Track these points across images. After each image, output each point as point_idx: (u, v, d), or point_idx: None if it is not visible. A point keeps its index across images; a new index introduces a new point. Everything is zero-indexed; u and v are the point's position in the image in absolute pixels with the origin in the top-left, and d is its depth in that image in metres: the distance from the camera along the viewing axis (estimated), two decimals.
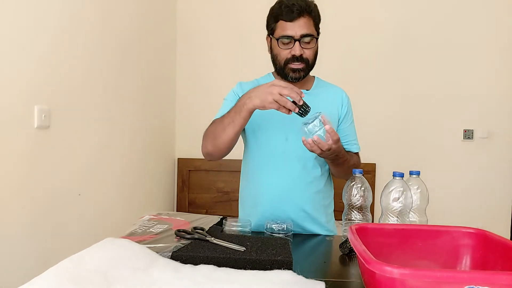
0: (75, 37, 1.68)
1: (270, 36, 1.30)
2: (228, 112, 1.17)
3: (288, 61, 1.25)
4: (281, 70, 1.29)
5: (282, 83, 1.07)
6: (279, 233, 1.09)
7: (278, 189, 1.30)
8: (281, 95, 1.04)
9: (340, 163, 1.27)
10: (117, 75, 2.06)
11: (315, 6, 1.26)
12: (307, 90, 1.34)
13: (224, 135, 1.17)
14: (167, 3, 2.80)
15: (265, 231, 1.12)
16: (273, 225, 1.11)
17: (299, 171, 1.30)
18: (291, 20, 1.21)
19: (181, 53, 2.94)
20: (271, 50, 1.32)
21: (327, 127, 1.07)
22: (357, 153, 1.41)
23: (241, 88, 1.36)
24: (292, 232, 1.13)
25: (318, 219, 1.33)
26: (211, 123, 1.29)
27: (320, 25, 1.30)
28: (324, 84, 1.41)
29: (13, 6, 1.34)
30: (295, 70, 1.26)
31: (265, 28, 1.32)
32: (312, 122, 1.10)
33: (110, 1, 1.98)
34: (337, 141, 1.11)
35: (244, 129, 1.32)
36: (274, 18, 1.26)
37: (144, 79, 2.40)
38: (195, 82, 2.91)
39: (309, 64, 1.28)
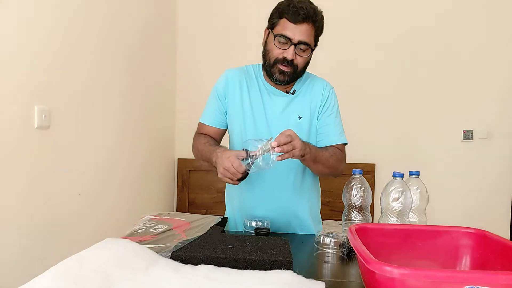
0: (76, 38, 1.68)
1: (270, 29, 1.26)
2: (206, 152, 1.27)
3: (277, 61, 1.23)
4: (269, 68, 1.26)
5: (228, 172, 1.11)
6: (258, 231, 1.12)
7: (262, 188, 1.30)
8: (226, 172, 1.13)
9: (315, 162, 1.23)
10: (117, 75, 2.06)
11: (322, 18, 1.23)
12: (286, 92, 1.32)
13: (202, 163, 1.35)
14: (167, 4, 2.80)
15: (244, 229, 1.17)
16: (252, 223, 1.17)
17: (282, 170, 1.29)
18: (294, 22, 1.18)
19: (181, 53, 2.94)
20: (265, 43, 1.29)
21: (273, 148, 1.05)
22: (341, 146, 1.34)
23: (225, 80, 1.35)
24: (270, 231, 1.15)
25: (303, 219, 1.34)
26: (195, 136, 1.39)
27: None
28: (306, 77, 1.35)
29: (14, 6, 1.35)
30: (282, 71, 1.23)
31: (266, 24, 1.28)
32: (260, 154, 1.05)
33: (111, 2, 1.98)
34: (290, 136, 1.07)
35: (227, 129, 1.39)
36: (279, 13, 1.22)
37: (144, 79, 2.40)
38: (195, 83, 2.91)
39: (297, 71, 1.25)
